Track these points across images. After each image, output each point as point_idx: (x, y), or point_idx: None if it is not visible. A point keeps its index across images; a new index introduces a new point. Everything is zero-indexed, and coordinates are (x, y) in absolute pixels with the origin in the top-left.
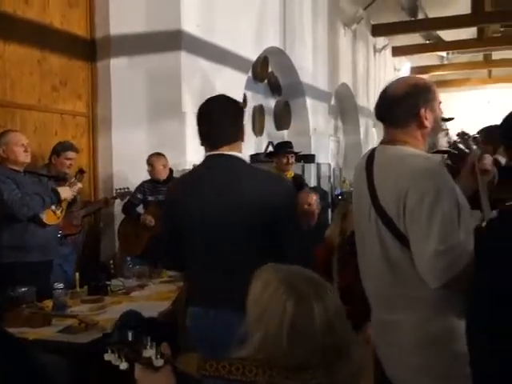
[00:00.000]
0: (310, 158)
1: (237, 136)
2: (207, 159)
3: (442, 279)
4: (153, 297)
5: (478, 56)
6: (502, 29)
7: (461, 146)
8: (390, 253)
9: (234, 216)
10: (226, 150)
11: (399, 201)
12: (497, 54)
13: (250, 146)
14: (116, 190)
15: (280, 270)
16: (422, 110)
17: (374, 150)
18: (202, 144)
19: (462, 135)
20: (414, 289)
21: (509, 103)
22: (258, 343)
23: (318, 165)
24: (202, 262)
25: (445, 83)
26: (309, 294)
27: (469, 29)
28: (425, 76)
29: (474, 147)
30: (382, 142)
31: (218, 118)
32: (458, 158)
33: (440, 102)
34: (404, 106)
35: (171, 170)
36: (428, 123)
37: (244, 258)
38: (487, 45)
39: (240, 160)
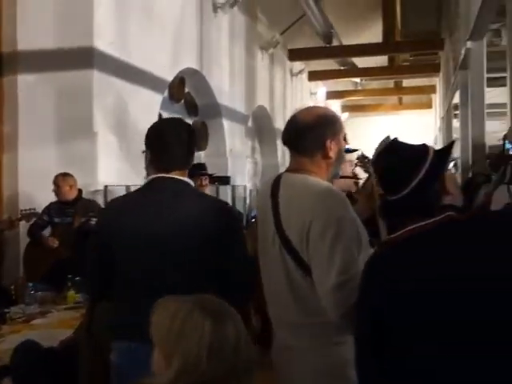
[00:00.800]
0: (225, 180)
1: (188, 162)
2: (155, 181)
3: (341, 309)
4: (55, 324)
5: (390, 83)
6: (411, 58)
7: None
8: (294, 280)
9: (177, 242)
10: (177, 175)
11: (303, 231)
12: (407, 82)
13: None
14: (21, 210)
15: (183, 299)
16: (328, 142)
17: (279, 176)
18: (150, 166)
19: (362, 158)
20: (317, 317)
21: (417, 128)
22: (176, 370)
23: (234, 187)
24: (137, 288)
25: (360, 108)
26: (221, 312)
27: (381, 57)
28: (340, 100)
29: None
30: (288, 169)
31: (174, 143)
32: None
33: (345, 134)
34: (312, 136)
35: (80, 191)
36: (332, 154)
37: (187, 283)
38: (397, 73)
39: (189, 185)
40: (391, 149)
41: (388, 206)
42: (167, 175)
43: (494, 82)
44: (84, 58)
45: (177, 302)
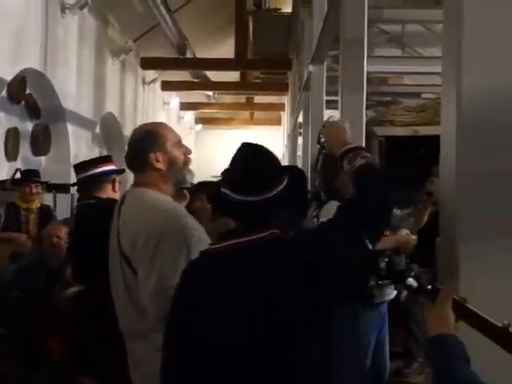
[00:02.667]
0: (63, 188)
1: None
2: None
3: (160, 314)
4: None
5: (242, 98)
6: (262, 75)
7: None
8: (131, 289)
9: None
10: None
11: (133, 242)
12: (258, 98)
13: (1, 172)
14: None
15: None
16: (151, 155)
17: (127, 191)
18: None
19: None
20: (148, 322)
21: (268, 144)
22: None
23: (73, 195)
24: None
25: (212, 120)
26: None
27: (234, 72)
28: (193, 112)
29: None
30: (132, 185)
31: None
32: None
33: (178, 142)
34: (134, 152)
35: None
36: (161, 165)
37: None
38: (249, 89)
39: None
40: (260, 151)
41: (236, 206)
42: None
43: (332, 104)
44: None
45: None
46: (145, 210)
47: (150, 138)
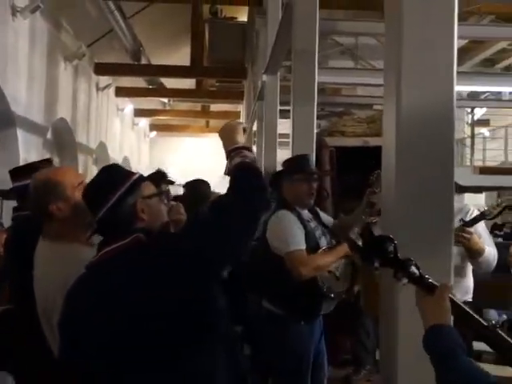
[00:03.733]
0: (9, 194)
1: None
2: None
3: None
4: None
5: (197, 106)
6: (217, 84)
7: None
8: None
9: None
10: None
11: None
12: (214, 106)
13: None
14: None
15: None
16: (52, 206)
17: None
18: None
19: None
20: None
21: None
22: None
23: None
24: None
25: (168, 127)
26: None
27: (190, 79)
28: (148, 119)
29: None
30: (42, 236)
31: None
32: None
33: (79, 183)
34: (37, 204)
35: None
36: (66, 213)
37: None
38: (204, 96)
39: None
40: (102, 170)
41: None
42: None
43: (286, 114)
44: None
45: None
46: (51, 271)
47: (48, 190)
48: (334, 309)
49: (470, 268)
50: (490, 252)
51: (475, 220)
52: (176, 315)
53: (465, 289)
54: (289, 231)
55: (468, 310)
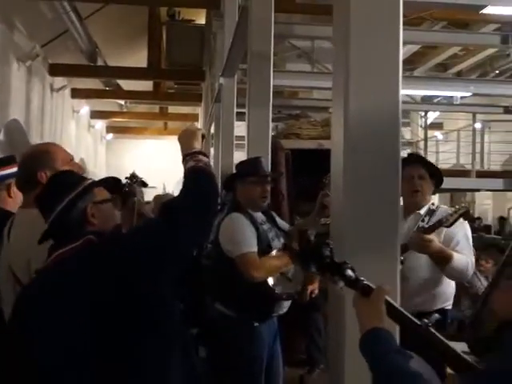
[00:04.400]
0: None
1: None
2: None
3: None
4: None
5: (155, 108)
6: (175, 86)
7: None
8: None
9: None
10: None
11: (26, 266)
12: (172, 108)
13: None
14: None
15: None
16: (40, 173)
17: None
18: None
19: (131, 177)
20: None
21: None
22: None
23: None
24: None
25: (125, 130)
26: None
27: (147, 81)
28: (105, 121)
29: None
30: (21, 206)
31: None
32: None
33: (70, 160)
34: (24, 171)
35: None
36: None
37: None
38: (162, 98)
39: None
40: (54, 175)
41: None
42: None
43: (243, 116)
44: None
45: None
46: (35, 234)
47: (38, 157)
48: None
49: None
50: (461, 260)
51: (433, 227)
52: (125, 314)
53: (443, 296)
54: (241, 234)
55: (403, 310)
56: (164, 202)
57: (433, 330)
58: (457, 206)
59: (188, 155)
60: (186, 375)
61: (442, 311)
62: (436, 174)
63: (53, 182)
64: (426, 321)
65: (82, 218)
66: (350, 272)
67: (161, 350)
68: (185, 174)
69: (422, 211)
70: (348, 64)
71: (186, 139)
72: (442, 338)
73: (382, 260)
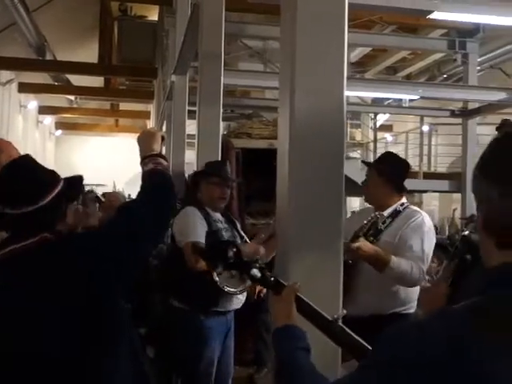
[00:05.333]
0: None
1: None
2: None
3: None
4: None
5: (106, 104)
6: (127, 82)
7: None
8: None
9: None
10: None
11: None
12: (124, 105)
13: None
14: None
15: None
16: None
17: None
18: None
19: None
20: None
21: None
22: None
23: None
24: None
25: (75, 126)
26: None
27: (99, 77)
28: (54, 116)
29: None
30: None
31: None
32: None
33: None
34: None
35: None
36: None
37: None
38: (113, 95)
39: None
40: (18, 168)
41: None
42: None
43: (195, 115)
44: None
45: None
46: None
47: None
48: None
49: None
50: (401, 264)
51: (356, 236)
52: (75, 314)
53: (398, 299)
54: (190, 224)
55: (315, 307)
56: (121, 204)
57: (343, 326)
58: (372, 215)
59: (147, 157)
60: (135, 375)
61: (400, 315)
62: (399, 175)
63: (31, 175)
64: (335, 316)
65: (59, 217)
66: (255, 271)
67: (112, 349)
68: (143, 176)
69: (386, 212)
70: (294, 64)
71: (145, 141)
72: (352, 334)
73: (326, 258)
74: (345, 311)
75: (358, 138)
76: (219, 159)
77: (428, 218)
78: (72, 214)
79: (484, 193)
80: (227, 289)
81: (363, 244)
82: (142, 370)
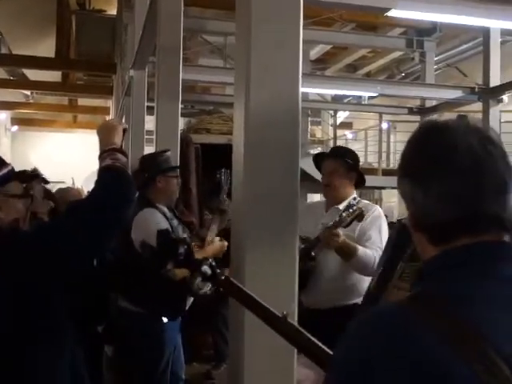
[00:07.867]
0: None
1: None
2: None
3: None
4: None
5: (64, 100)
6: (85, 77)
7: None
8: None
9: None
10: None
11: None
12: (82, 101)
13: None
14: None
15: None
16: None
17: None
18: None
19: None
20: None
21: (91, 149)
22: None
23: None
24: None
25: (31, 122)
26: None
27: (56, 72)
28: (9, 112)
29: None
30: None
31: None
32: None
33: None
34: None
35: None
36: None
37: None
38: (71, 90)
39: None
40: None
41: None
42: None
43: (153, 111)
44: None
45: None
46: None
47: None
48: (193, 303)
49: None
50: (366, 254)
51: (333, 226)
52: (16, 311)
53: (358, 290)
54: (158, 226)
55: (262, 303)
56: (71, 202)
57: (292, 322)
58: (354, 207)
59: (106, 151)
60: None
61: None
62: (354, 168)
63: None
64: (284, 312)
65: None
66: (206, 268)
67: (51, 347)
68: (99, 172)
69: (341, 206)
70: (249, 60)
71: (105, 133)
72: (305, 332)
73: (281, 252)
74: (292, 309)
75: (319, 135)
76: (155, 151)
77: (381, 210)
78: (14, 209)
79: (409, 194)
80: (202, 291)
81: (340, 232)
82: (79, 372)
